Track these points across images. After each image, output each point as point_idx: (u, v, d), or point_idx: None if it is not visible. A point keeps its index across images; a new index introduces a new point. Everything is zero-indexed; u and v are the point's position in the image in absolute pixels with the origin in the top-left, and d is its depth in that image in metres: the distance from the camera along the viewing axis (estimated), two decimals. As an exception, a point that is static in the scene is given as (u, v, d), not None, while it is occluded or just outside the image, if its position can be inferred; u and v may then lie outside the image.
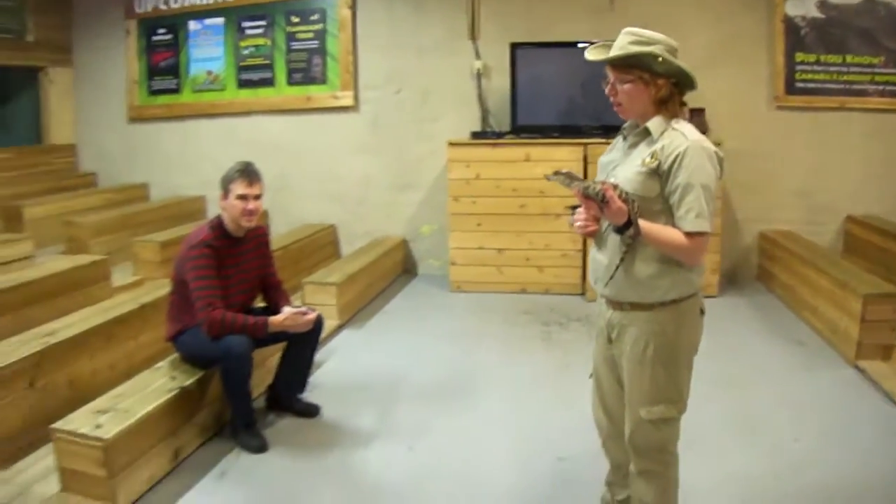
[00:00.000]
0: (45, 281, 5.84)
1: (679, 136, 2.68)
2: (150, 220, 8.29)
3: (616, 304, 2.88)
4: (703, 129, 7.07)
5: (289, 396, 4.81)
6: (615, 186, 2.66)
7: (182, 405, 4.23)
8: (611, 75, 2.79)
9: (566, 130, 7.26)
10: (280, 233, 8.46)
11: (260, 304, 4.82)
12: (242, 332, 4.24)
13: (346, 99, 8.46)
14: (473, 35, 7.91)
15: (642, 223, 2.67)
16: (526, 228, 7.39)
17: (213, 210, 4.38)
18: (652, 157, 2.69)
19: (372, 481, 3.97)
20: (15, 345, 4.51)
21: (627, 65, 2.72)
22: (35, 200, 8.33)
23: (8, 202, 8.19)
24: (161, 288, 5.36)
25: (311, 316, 4.48)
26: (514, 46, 7.47)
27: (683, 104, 2.81)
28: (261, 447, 4.32)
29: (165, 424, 4.08)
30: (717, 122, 7.43)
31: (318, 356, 5.65)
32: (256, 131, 8.79)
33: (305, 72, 8.56)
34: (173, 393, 4.17)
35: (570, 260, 7.36)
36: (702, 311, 2.86)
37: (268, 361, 4.95)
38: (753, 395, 4.89)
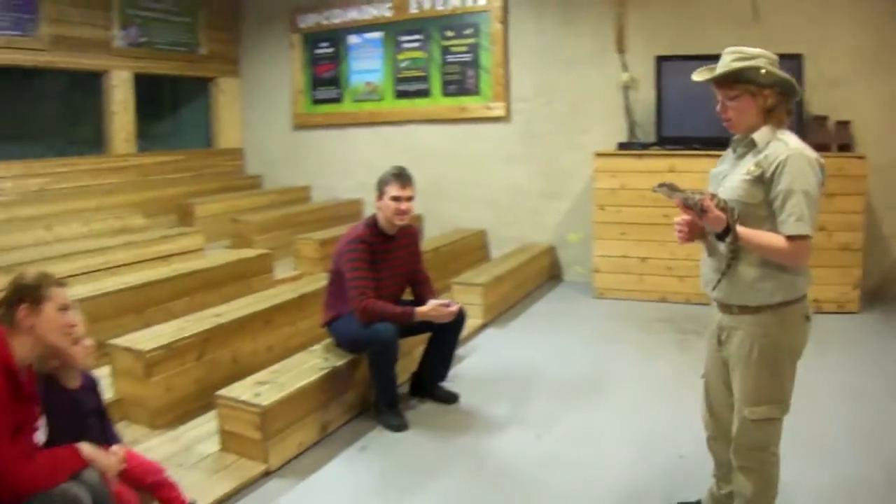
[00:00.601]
0: (215, 270, 6.45)
1: (782, 146, 2.84)
2: (311, 220, 8.87)
3: (725, 307, 3.05)
4: (848, 142, 7.04)
5: (431, 383, 5.14)
6: (713, 196, 2.86)
7: (332, 384, 4.64)
8: (719, 94, 2.99)
9: (710, 142, 7.29)
10: (433, 236, 8.86)
11: (408, 297, 5.17)
12: (390, 320, 4.62)
13: (499, 109, 8.79)
14: (620, 48, 8.09)
15: (740, 229, 2.84)
16: (668, 238, 7.36)
17: (370, 212, 4.74)
18: (756, 166, 2.86)
19: (499, 464, 4.24)
20: (189, 323, 5.10)
21: (733, 80, 2.91)
22: (205, 199, 9.08)
23: (181, 200, 8.95)
24: (319, 281, 5.78)
25: (454, 308, 4.79)
26: (660, 59, 7.60)
27: (790, 112, 2.98)
28: (401, 426, 4.67)
29: (316, 399, 4.49)
30: (866, 133, 7.29)
31: (462, 351, 6.01)
32: (412, 139, 9.24)
33: (460, 83, 8.94)
34: (325, 372, 4.59)
35: (710, 271, 7.35)
36: (807, 318, 2.98)
37: (414, 351, 5.29)
38: (881, 408, 4.89)
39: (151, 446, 4.23)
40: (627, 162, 7.59)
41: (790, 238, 2.80)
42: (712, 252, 3.06)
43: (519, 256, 8.12)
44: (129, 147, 9.30)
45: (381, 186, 4.82)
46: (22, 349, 2.81)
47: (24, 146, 8.43)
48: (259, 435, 4.09)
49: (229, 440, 4.24)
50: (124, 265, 6.63)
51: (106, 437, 3.21)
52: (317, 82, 10.01)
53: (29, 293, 2.84)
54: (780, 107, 2.94)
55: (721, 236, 2.88)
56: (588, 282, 8.11)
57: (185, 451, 4.28)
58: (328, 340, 5.03)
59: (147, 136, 9.67)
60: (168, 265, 6.79)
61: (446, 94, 9.06)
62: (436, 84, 9.11)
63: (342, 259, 4.79)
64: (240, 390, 4.27)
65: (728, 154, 3.14)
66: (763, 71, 2.86)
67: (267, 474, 4.10)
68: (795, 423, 4.20)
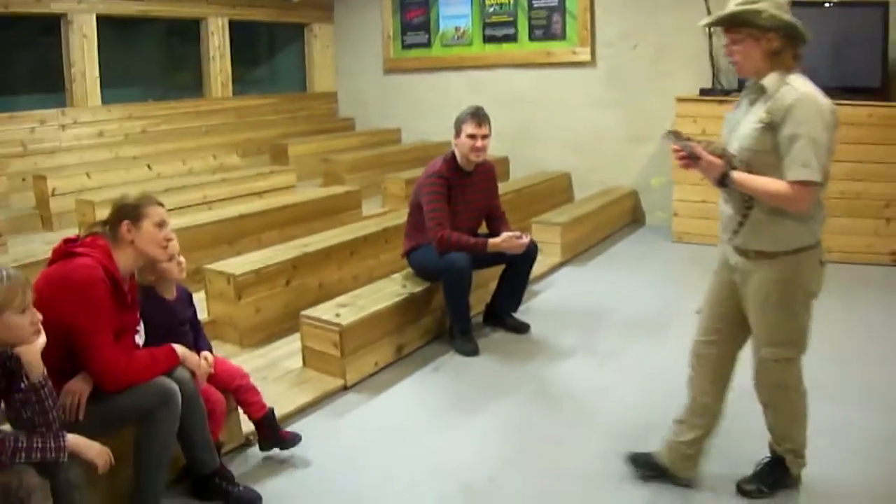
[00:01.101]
0: (305, 205, 6.87)
1: (791, 91, 2.84)
2: (400, 161, 9.18)
3: (742, 252, 3.07)
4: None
5: (503, 313, 5.41)
6: (709, 143, 2.99)
7: (409, 308, 4.96)
8: (726, 38, 3.01)
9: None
10: (518, 177, 9.06)
11: (484, 231, 5.43)
12: (465, 250, 4.89)
13: (584, 55, 8.87)
14: (706, -8, 8.05)
15: (737, 175, 2.90)
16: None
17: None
18: (767, 113, 2.86)
19: (562, 387, 4.52)
20: (278, 251, 5.51)
21: (737, 24, 2.92)
22: (298, 140, 9.52)
23: (275, 141, 9.36)
24: (403, 216, 6.06)
25: (525, 240, 5.00)
26: (742, 4, 7.53)
27: (797, 57, 2.95)
28: (472, 351, 4.96)
29: (393, 322, 4.81)
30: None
31: (538, 286, 6.28)
32: (500, 84, 9.41)
33: (546, 28, 9.07)
34: (402, 297, 4.92)
35: (789, 216, 7.35)
36: (821, 262, 3.03)
37: (489, 284, 5.54)
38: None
39: (240, 362, 4.55)
40: (708, 107, 7.60)
41: (792, 183, 2.82)
42: (728, 197, 3.09)
43: (600, 199, 8.27)
44: (226, 91, 9.75)
45: (458, 125, 5.05)
46: (124, 261, 3.15)
47: (128, 91, 8.93)
48: (338, 352, 4.44)
49: (311, 357, 4.61)
50: (220, 200, 7.12)
51: (197, 345, 3.55)
52: (406, 28, 10.24)
53: (130, 211, 3.17)
54: (786, 51, 2.92)
55: (720, 183, 2.95)
56: (669, 226, 8.16)
57: (270, 367, 4.69)
58: (408, 270, 5.34)
59: (243, 80, 10.11)
60: (262, 201, 7.21)
61: (533, 38, 9.19)
62: (522, 29, 9.25)
63: (421, 192, 5.07)
64: (322, 311, 4.63)
65: (742, 99, 3.14)
66: (764, 15, 2.85)
67: (344, 389, 4.46)
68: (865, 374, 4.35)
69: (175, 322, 3.51)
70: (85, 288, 2.92)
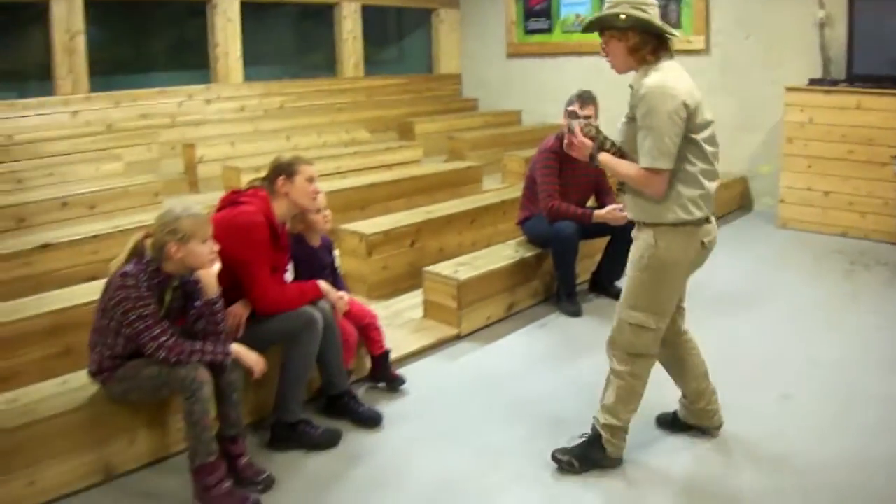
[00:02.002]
0: (429, 177, 7.52)
1: (643, 84, 3.09)
2: (520, 141, 9.65)
3: (635, 222, 3.34)
4: None
5: (607, 281, 5.86)
6: (588, 125, 3.36)
7: (521, 271, 5.52)
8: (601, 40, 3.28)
9: (904, 81, 7.39)
10: (629, 161, 9.33)
11: (592, 203, 5.87)
12: (572, 219, 5.37)
13: (699, 43, 9.07)
14: (818, -16, 8.18)
15: (604, 157, 3.28)
16: (852, 174, 7.61)
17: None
18: (629, 107, 3.19)
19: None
20: (405, 216, 6.16)
21: (602, 27, 3.21)
22: (424, 118, 10.12)
23: (402, 119, 9.97)
24: (520, 190, 6.57)
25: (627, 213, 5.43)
26: (854, -4, 7.63)
27: (655, 50, 3.18)
28: (576, 313, 5.47)
29: (505, 281, 5.38)
30: None
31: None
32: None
33: (663, 16, 9.19)
34: (514, 260, 5.48)
35: (890, 209, 7.45)
36: (703, 244, 3.23)
37: (595, 255, 5.97)
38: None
39: (369, 312, 5.21)
40: (817, 97, 7.76)
41: (641, 170, 3.12)
42: None
43: (710, 185, 8.48)
44: (358, 71, 10.43)
45: (566, 106, 5.45)
46: (280, 210, 3.82)
47: (266, 69, 9.71)
48: (455, 304, 5.02)
49: (430, 308, 5.21)
50: (352, 171, 7.81)
51: (336, 287, 4.16)
52: (529, 14, 10.66)
53: (285, 168, 3.83)
54: (643, 47, 3.15)
55: (590, 161, 3.34)
56: (775, 212, 8.28)
57: (394, 316, 5.32)
58: (522, 237, 5.88)
59: (373, 61, 10.76)
60: (391, 172, 7.86)
61: (650, 26, 9.42)
62: (640, 17, 9.48)
63: (536, 167, 5.58)
64: (442, 268, 5.23)
65: None
66: (622, 16, 3.09)
67: (458, 337, 5.05)
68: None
69: (317, 265, 4.19)
70: (249, 229, 3.61)
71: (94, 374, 3.33)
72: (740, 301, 5.76)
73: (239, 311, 3.66)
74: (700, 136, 3.14)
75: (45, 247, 5.13)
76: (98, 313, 3.27)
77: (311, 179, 3.86)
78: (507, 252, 5.59)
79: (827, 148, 7.74)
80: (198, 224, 3.23)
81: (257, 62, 9.47)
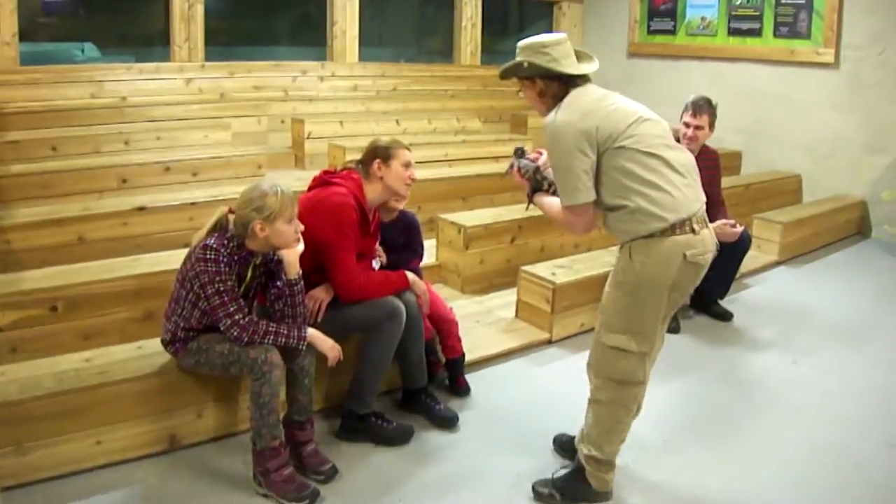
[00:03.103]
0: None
1: (545, 126, 3.07)
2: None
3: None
4: None
5: (709, 299, 5.56)
6: (524, 166, 3.30)
7: (619, 279, 5.24)
8: None
9: None
10: (749, 173, 9.05)
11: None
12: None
13: (828, 56, 8.63)
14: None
15: (538, 198, 3.28)
16: None
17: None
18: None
19: (749, 374, 4.67)
20: (507, 211, 5.97)
21: (510, 77, 3.19)
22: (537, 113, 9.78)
23: (516, 111, 9.76)
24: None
25: (738, 229, 5.17)
26: None
27: (556, 94, 3.09)
28: (674, 329, 5.12)
29: (602, 288, 5.09)
30: None
31: (749, 280, 6.40)
32: (740, 77, 9.34)
33: (791, 26, 8.90)
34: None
35: None
36: (685, 257, 2.95)
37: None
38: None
39: (458, 305, 5.03)
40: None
41: (564, 209, 3.04)
42: None
43: (827, 204, 8.13)
44: (475, 59, 10.32)
45: (681, 112, 5.28)
46: (372, 194, 3.68)
47: (382, 51, 9.70)
48: (548, 308, 4.82)
49: (523, 309, 5.02)
50: (460, 160, 7.65)
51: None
52: (653, 13, 10.37)
53: (382, 151, 3.69)
54: (547, 90, 3.11)
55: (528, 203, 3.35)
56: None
57: (485, 313, 5.16)
58: (624, 244, 5.62)
59: (492, 50, 10.61)
60: (499, 165, 7.58)
61: (777, 35, 9.06)
62: (768, 24, 9.13)
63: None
64: (540, 269, 5.02)
65: None
66: (524, 65, 3.09)
67: (548, 342, 4.85)
68: None
69: (385, 241, 4.02)
70: (338, 211, 3.48)
71: (166, 344, 3.29)
72: (856, 333, 5.42)
73: (320, 294, 3.54)
74: (628, 142, 2.96)
75: (142, 209, 5.14)
76: (177, 283, 3.23)
77: (407, 165, 3.72)
78: (607, 258, 5.33)
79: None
80: (284, 203, 3.12)
81: (374, 43, 9.47)
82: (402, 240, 4.14)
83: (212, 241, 3.10)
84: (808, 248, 7.59)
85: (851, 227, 8.49)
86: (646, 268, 2.95)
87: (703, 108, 5.20)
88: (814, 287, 6.51)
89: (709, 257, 3.10)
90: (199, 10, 7.77)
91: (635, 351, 3.05)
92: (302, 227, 3.22)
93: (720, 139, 6.36)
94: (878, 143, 8.41)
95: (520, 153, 3.38)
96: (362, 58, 9.21)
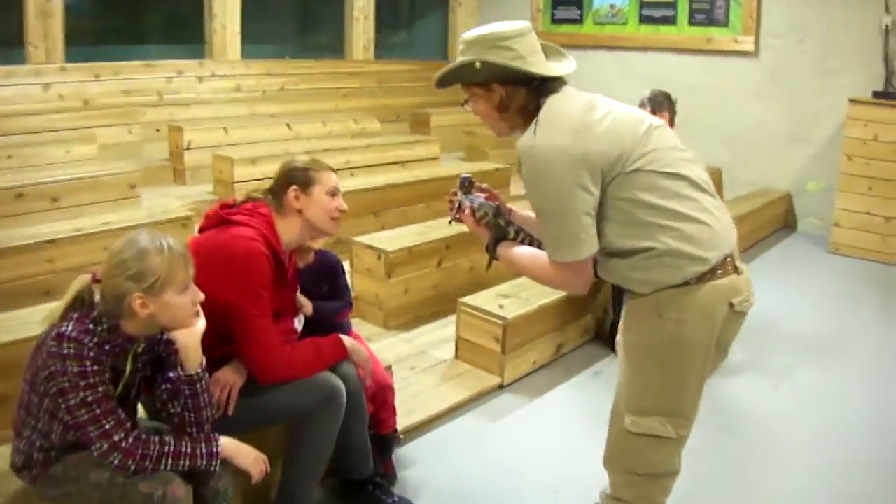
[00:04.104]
0: (453, 179, 6.40)
1: (519, 150, 2.22)
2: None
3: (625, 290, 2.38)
4: None
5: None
6: (486, 207, 2.42)
7: (573, 305, 4.58)
8: None
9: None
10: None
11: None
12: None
13: (747, 44, 8.29)
14: (886, -15, 7.44)
15: (506, 251, 2.38)
16: None
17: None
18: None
19: (734, 408, 4.13)
20: (428, 228, 5.19)
21: (455, 83, 2.35)
22: (440, 110, 9.14)
23: (415, 108, 9.10)
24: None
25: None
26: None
27: (544, 94, 2.27)
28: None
29: (555, 319, 4.45)
30: None
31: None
32: (653, 67, 8.84)
33: (708, 13, 8.48)
34: (565, 294, 4.47)
35: (961, 240, 6.82)
36: (731, 306, 2.25)
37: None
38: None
39: (386, 346, 4.29)
40: (884, 112, 7.00)
41: (553, 263, 2.22)
42: None
43: (753, 201, 7.72)
44: (367, 54, 9.53)
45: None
46: (288, 233, 2.76)
47: (267, 47, 8.78)
48: (498, 347, 4.09)
49: (465, 349, 4.26)
50: (364, 167, 6.82)
51: (342, 328, 3.17)
52: (557, 2, 9.78)
53: (299, 176, 2.77)
54: (512, 100, 2.28)
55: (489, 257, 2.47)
56: (823, 235, 7.64)
57: (419, 355, 4.38)
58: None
59: (384, 44, 9.88)
60: (406, 171, 6.94)
61: (693, 22, 8.62)
62: (683, 11, 8.68)
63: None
64: (483, 300, 4.27)
65: None
66: (477, 66, 2.24)
67: (500, 387, 4.12)
68: None
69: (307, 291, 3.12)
70: (245, 263, 2.55)
71: (18, 470, 2.28)
72: (824, 345, 5.02)
73: (229, 377, 2.60)
74: (641, 163, 2.17)
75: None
76: (25, 384, 2.24)
77: (333, 193, 2.81)
78: (554, 279, 4.69)
79: (893, 169, 7.00)
80: (174, 264, 2.17)
81: (258, 39, 8.54)
82: (326, 287, 3.27)
83: (69, 329, 2.12)
84: (743, 247, 7.08)
85: (778, 221, 8.23)
86: (683, 326, 2.17)
87: (663, 103, 4.65)
88: (760, 293, 5.88)
89: (753, 302, 2.34)
90: (58, 3, 6.76)
91: (672, 437, 2.27)
92: (202, 297, 2.28)
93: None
94: (801, 133, 8.15)
95: (466, 186, 2.47)
96: (245, 55, 8.32)
